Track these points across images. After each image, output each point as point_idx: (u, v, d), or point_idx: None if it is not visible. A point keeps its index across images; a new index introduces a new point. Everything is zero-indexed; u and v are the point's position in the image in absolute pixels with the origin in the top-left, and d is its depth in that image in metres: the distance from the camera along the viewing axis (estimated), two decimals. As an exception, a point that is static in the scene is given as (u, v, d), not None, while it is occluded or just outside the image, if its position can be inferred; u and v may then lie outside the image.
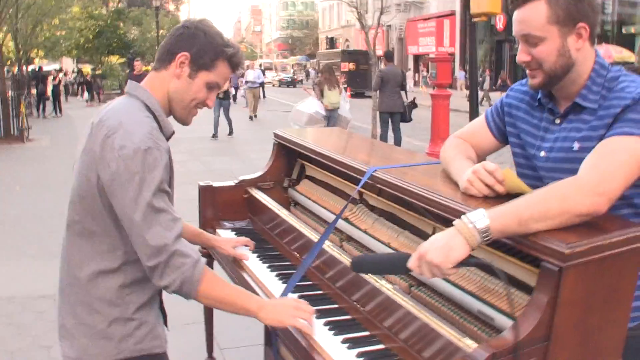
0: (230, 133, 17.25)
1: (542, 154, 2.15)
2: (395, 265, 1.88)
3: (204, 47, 2.14)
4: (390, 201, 2.59)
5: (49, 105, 24.85)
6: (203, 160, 12.83)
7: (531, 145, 2.21)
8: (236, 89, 28.33)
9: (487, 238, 1.73)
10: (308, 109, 13.31)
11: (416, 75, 42.59)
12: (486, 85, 29.15)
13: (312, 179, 3.41)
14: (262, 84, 27.01)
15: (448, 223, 2.19)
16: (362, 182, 2.45)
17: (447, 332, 1.83)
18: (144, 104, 2.11)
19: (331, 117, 13.40)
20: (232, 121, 17.30)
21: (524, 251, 1.71)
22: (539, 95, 2.21)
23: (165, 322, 2.33)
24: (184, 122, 2.25)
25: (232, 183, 3.47)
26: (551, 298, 1.61)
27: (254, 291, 2.57)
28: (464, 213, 1.88)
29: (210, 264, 3.39)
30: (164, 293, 2.23)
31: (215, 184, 3.43)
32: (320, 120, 13.06)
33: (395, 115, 13.17)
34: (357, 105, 23.40)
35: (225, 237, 3.15)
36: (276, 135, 3.53)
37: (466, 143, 2.39)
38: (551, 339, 1.64)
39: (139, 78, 14.56)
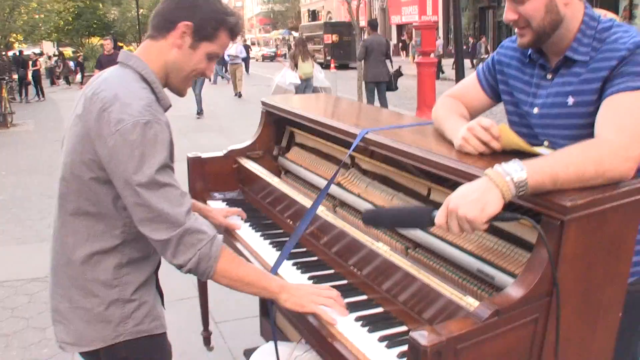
0: (199, 113, 16.28)
1: (536, 110, 2.11)
2: (416, 219, 1.79)
3: (206, 17, 2.02)
4: (383, 163, 2.54)
5: (32, 89, 24.58)
6: (190, 137, 12.75)
7: (524, 102, 2.16)
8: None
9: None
10: (281, 80, 14.05)
11: (400, 44, 42.42)
12: (483, 51, 28.94)
13: (302, 146, 3.35)
14: (245, 59, 26.35)
15: (444, 182, 2.17)
16: (354, 145, 2.40)
17: (448, 291, 1.79)
18: (139, 75, 2.00)
19: (307, 87, 13.94)
20: (201, 100, 16.28)
21: (524, 206, 1.66)
22: (530, 52, 2.16)
23: (162, 302, 2.27)
24: (181, 93, 2.15)
25: (220, 154, 3.40)
26: (553, 253, 1.57)
27: (248, 260, 2.52)
28: (461, 171, 1.85)
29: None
30: (161, 271, 2.18)
31: (204, 155, 3.35)
32: (290, 91, 13.62)
33: (381, 84, 13.12)
34: (342, 77, 23.28)
35: (217, 207, 3.09)
36: (264, 103, 3.46)
37: (458, 102, 2.34)
38: (553, 294, 1.60)
39: (110, 58, 14.11)
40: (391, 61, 13.74)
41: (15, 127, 16.39)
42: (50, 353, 4.22)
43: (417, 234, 2.19)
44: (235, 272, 1.98)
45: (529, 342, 1.61)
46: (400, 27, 43.52)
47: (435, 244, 2.11)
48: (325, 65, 30.65)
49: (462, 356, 1.46)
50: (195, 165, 3.33)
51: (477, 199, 1.60)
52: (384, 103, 13.26)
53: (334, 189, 2.76)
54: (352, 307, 2.04)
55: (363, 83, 13.90)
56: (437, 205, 1.72)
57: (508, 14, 2.04)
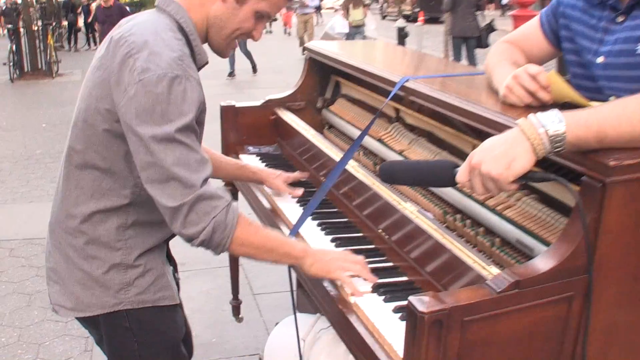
0: (254, 70, 16.12)
1: (600, 59, 2.02)
2: (437, 175, 1.74)
3: None
4: (430, 118, 2.51)
5: (82, 37, 25.06)
6: (249, 93, 12.87)
7: (587, 49, 2.08)
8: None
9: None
10: (329, 28, 15.70)
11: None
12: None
13: (348, 98, 3.35)
14: (318, 8, 25.92)
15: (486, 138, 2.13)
16: (392, 94, 2.38)
17: (471, 259, 1.76)
18: (176, 23, 1.96)
19: (357, 34, 14.77)
20: (251, 54, 15.91)
21: (559, 163, 1.61)
22: None
23: (174, 271, 2.29)
24: (222, 53, 2.12)
25: (257, 103, 3.44)
26: (592, 220, 1.52)
27: (277, 226, 2.55)
28: (500, 124, 1.81)
29: (234, 196, 3.40)
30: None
31: (239, 104, 3.39)
32: (334, 37, 14.74)
33: (469, 40, 12.90)
34: (429, 32, 22.98)
35: (270, 170, 3.07)
36: (308, 49, 3.46)
37: (514, 48, 2.28)
38: (593, 270, 1.55)
39: (109, 12, 14.10)
40: (483, 13, 13.46)
41: (61, 77, 16.85)
42: (72, 316, 4.40)
43: (455, 198, 2.17)
44: (253, 239, 1.95)
45: (560, 325, 1.56)
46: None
47: (474, 209, 2.08)
48: (412, 19, 30.26)
49: (471, 331, 1.43)
50: (229, 114, 3.37)
51: (504, 153, 1.54)
52: (472, 62, 13.04)
53: (375, 146, 2.75)
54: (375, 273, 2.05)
55: (450, 38, 13.69)
56: None
57: None
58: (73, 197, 2.02)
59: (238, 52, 15.09)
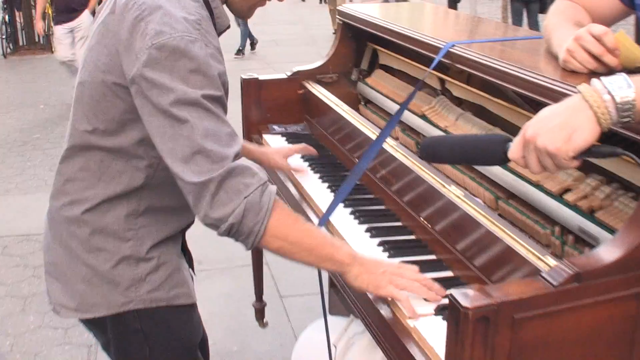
0: (253, 46, 15.70)
1: None
2: (486, 152, 1.72)
3: None
4: (480, 90, 2.51)
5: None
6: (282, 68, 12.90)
7: None
8: None
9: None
10: None
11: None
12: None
13: (387, 68, 3.35)
14: None
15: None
16: (435, 62, 2.39)
17: (526, 249, 1.77)
18: None
19: None
20: (249, 33, 15.41)
21: (628, 136, 1.60)
22: None
23: (190, 266, 2.30)
24: (245, 15, 2.14)
25: (283, 76, 3.45)
26: (666, 202, 1.52)
27: (304, 213, 2.57)
28: (559, 93, 1.80)
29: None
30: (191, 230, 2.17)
31: (262, 77, 3.42)
32: None
33: (531, 3, 12.76)
34: (487, -6, 22.83)
35: (275, 146, 3.13)
36: (340, 13, 3.47)
37: (577, 6, 2.27)
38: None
39: None
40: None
41: (61, 52, 16.95)
42: (73, 321, 4.46)
43: (508, 180, 2.18)
44: (290, 232, 1.88)
45: (629, 325, 1.55)
46: None
47: (530, 192, 2.08)
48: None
49: (523, 331, 1.43)
50: (251, 88, 3.40)
51: (563, 124, 1.52)
52: (534, 29, 12.92)
53: (417, 122, 2.76)
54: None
55: (508, 2, 13.58)
56: None
57: None
58: (79, 181, 2.02)
59: (251, 25, 14.84)
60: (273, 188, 1.88)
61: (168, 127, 1.79)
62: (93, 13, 9.59)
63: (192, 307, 2.18)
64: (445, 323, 1.68)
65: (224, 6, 2.08)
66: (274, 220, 1.83)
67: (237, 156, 1.82)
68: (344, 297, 2.20)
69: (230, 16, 2.14)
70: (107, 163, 1.98)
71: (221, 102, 1.86)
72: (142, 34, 1.80)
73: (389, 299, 1.91)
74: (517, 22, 12.98)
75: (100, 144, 1.96)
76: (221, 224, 1.80)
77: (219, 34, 2.04)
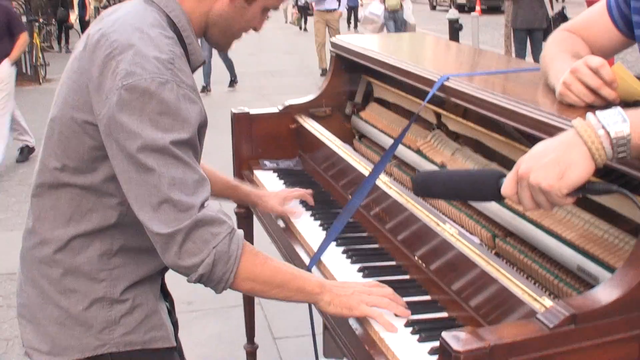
0: (232, 82, 14.83)
1: None
2: (479, 187, 1.73)
3: None
4: (477, 124, 2.52)
5: (74, 35, 25.16)
6: (272, 99, 12.95)
7: None
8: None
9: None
10: (366, 11, 16.90)
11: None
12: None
13: (382, 102, 3.37)
14: (353, 8, 24.83)
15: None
16: (429, 95, 2.40)
17: (521, 290, 1.76)
18: (166, 17, 1.99)
19: (396, 20, 15.96)
20: (232, 63, 14.57)
21: (623, 172, 1.61)
22: None
23: (171, 309, 2.31)
24: (223, 48, 2.20)
25: (275, 110, 3.47)
26: (665, 241, 1.53)
27: (295, 254, 2.58)
28: (557, 128, 1.81)
29: (249, 221, 3.43)
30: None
31: (253, 111, 3.44)
32: (375, 20, 16.15)
33: (535, 32, 12.82)
34: (487, 25, 23.01)
35: (263, 184, 3.13)
36: (333, 44, 3.49)
37: (576, 37, 2.28)
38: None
39: None
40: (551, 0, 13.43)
41: (49, 82, 16.88)
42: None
43: (506, 218, 2.18)
44: (260, 272, 1.94)
45: (630, 368, 1.56)
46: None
47: (528, 230, 2.09)
48: (468, 8, 30.24)
49: (518, 375, 1.44)
50: (242, 122, 3.42)
51: (556, 160, 1.53)
52: (538, 57, 12.98)
53: (412, 157, 2.77)
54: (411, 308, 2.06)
55: (512, 31, 13.66)
56: None
57: None
58: (49, 220, 2.03)
59: (246, 55, 14.76)
60: (240, 233, 1.93)
61: (134, 172, 1.82)
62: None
63: (171, 351, 2.17)
64: (414, 339, 1.91)
65: (199, 40, 2.11)
66: (243, 264, 1.90)
67: (203, 205, 1.85)
68: (336, 338, 2.20)
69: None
70: (77, 201, 1.99)
71: (191, 144, 1.88)
72: (112, 73, 1.83)
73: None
74: (521, 50, 13.04)
75: (70, 182, 1.98)
76: (191, 272, 1.85)
77: (194, 70, 2.06)
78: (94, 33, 1.95)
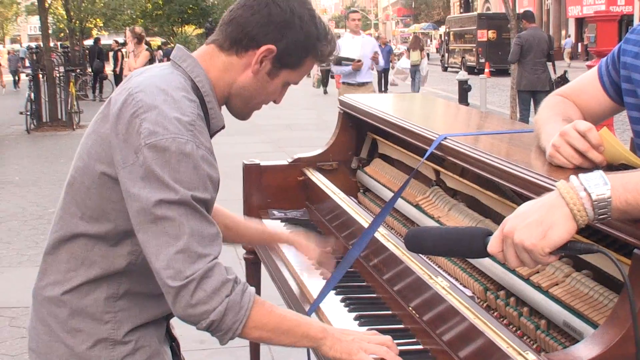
0: None
1: None
2: (467, 245, 1.72)
3: (295, 43, 2.03)
4: (472, 182, 2.51)
5: (107, 85, 25.35)
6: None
7: None
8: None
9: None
10: (399, 65, 24.41)
11: (579, 45, 41.39)
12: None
13: (385, 158, 3.37)
14: (384, 71, 23.32)
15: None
16: (428, 152, 2.40)
17: (507, 344, 1.73)
18: (191, 82, 2.01)
19: (416, 72, 23.04)
20: None
21: (603, 231, 1.59)
22: None
23: (177, 351, 2.30)
24: (243, 117, 2.19)
25: (285, 162, 3.48)
26: (643, 300, 1.49)
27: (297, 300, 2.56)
28: (546, 189, 1.79)
29: (257, 266, 3.41)
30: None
31: (264, 163, 3.44)
32: (405, 72, 23.52)
33: (538, 94, 12.87)
34: (495, 86, 23.15)
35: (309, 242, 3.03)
36: (342, 103, 3.50)
37: (568, 102, 2.27)
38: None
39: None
40: (554, 64, 13.48)
41: (82, 128, 17.05)
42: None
43: (497, 272, 2.15)
44: (267, 320, 1.93)
45: None
46: (579, 21, 42.37)
47: (517, 285, 2.06)
48: (478, 70, 30.42)
49: None
50: (252, 174, 3.42)
51: (539, 220, 1.53)
52: (542, 118, 13.02)
53: (411, 211, 2.75)
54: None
55: (517, 92, 13.72)
56: None
57: None
58: (62, 263, 2.03)
59: (267, 108, 14.41)
60: (252, 290, 1.93)
61: (152, 223, 1.81)
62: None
63: None
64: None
65: (221, 108, 2.11)
66: (252, 314, 1.89)
67: (216, 257, 1.85)
68: None
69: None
70: (89, 248, 1.99)
71: (207, 204, 1.89)
72: (137, 131, 1.84)
73: None
74: (525, 111, 13.10)
75: (85, 231, 1.98)
76: (202, 319, 1.83)
77: (212, 134, 2.06)
78: (121, 92, 1.96)
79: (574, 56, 38.96)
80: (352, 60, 10.76)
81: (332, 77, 23.14)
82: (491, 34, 36.79)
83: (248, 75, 2.04)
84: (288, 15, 2.01)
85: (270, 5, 2.00)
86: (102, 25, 32.24)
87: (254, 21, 2.01)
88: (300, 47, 2.04)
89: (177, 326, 2.40)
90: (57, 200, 6.74)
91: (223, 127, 2.12)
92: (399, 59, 27.26)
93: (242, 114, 2.17)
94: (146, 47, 12.81)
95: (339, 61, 10.71)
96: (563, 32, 43.08)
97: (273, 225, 3.22)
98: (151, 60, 12.64)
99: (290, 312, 2.09)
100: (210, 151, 1.92)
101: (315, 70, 24.64)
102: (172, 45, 33.94)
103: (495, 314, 2.12)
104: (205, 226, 1.84)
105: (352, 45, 11.26)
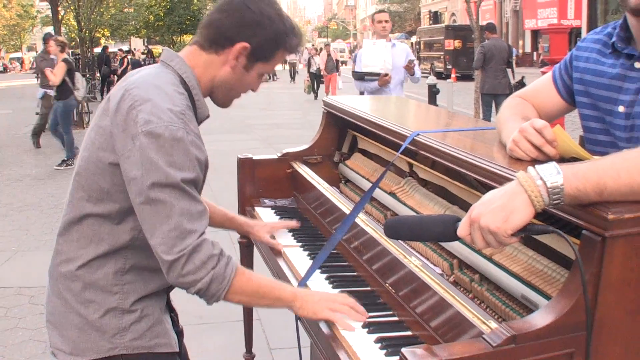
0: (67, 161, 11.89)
1: (621, 109, 2.04)
2: (439, 230, 1.75)
3: (267, 38, 2.11)
4: (441, 173, 2.53)
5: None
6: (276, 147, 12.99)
7: (606, 99, 2.09)
8: None
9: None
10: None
11: (534, 54, 41.50)
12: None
13: (364, 152, 3.38)
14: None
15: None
16: (402, 147, 2.42)
17: (472, 314, 1.76)
18: (179, 78, 2.09)
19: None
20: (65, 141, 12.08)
21: (556, 215, 1.61)
22: (613, 40, 2.10)
23: (176, 321, 2.34)
24: (224, 106, 2.27)
25: (274, 156, 3.49)
26: (592, 275, 1.52)
27: (286, 278, 2.57)
28: (503, 178, 1.82)
29: (250, 249, 3.42)
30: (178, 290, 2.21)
31: (256, 157, 3.45)
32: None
33: (499, 97, 12.90)
34: (461, 90, 23.14)
35: (262, 219, 3.14)
36: (325, 103, 3.52)
37: (526, 103, 2.31)
38: (595, 327, 1.54)
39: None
40: (513, 70, 13.53)
41: (92, 128, 17.13)
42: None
43: (464, 252, 2.18)
44: (246, 287, 2.03)
45: (563, 380, 1.55)
46: (535, 33, 42.51)
47: (480, 263, 2.09)
48: (445, 75, 30.42)
49: (465, 386, 1.43)
50: (246, 167, 3.43)
51: (502, 206, 1.56)
52: (502, 118, 13.06)
53: (387, 199, 2.77)
54: (375, 327, 2.07)
55: (480, 95, 13.76)
56: None
57: None
58: (74, 242, 2.08)
59: (258, 110, 14.21)
60: (235, 261, 2.02)
61: (148, 204, 1.90)
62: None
63: (174, 355, 2.19)
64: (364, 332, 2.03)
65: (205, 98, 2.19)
66: (233, 283, 1.98)
67: (204, 232, 1.94)
68: (314, 336, 2.26)
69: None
70: (97, 227, 2.05)
71: (195, 183, 1.96)
72: (134, 121, 1.92)
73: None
74: (487, 112, 13.14)
75: (92, 211, 2.04)
76: (190, 287, 1.94)
77: (199, 122, 2.14)
78: (118, 90, 2.03)
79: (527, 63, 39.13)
80: (378, 74, 7.69)
81: (322, 82, 22.89)
82: (457, 43, 36.87)
83: (227, 70, 2.13)
84: (258, 15, 2.09)
85: (242, 9, 2.09)
86: (109, 35, 32.07)
87: (229, 23, 2.10)
88: (270, 42, 2.13)
89: (179, 302, 2.44)
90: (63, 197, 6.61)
91: (208, 116, 2.20)
92: None
93: (224, 103, 2.26)
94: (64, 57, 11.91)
95: (362, 76, 7.86)
96: (520, 42, 43.17)
97: (262, 214, 3.25)
98: (69, 71, 11.78)
99: (267, 279, 2.15)
100: (198, 136, 2.01)
101: (306, 78, 24.36)
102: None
103: (462, 289, 2.14)
104: (194, 205, 1.92)
105: (376, 54, 7.84)
